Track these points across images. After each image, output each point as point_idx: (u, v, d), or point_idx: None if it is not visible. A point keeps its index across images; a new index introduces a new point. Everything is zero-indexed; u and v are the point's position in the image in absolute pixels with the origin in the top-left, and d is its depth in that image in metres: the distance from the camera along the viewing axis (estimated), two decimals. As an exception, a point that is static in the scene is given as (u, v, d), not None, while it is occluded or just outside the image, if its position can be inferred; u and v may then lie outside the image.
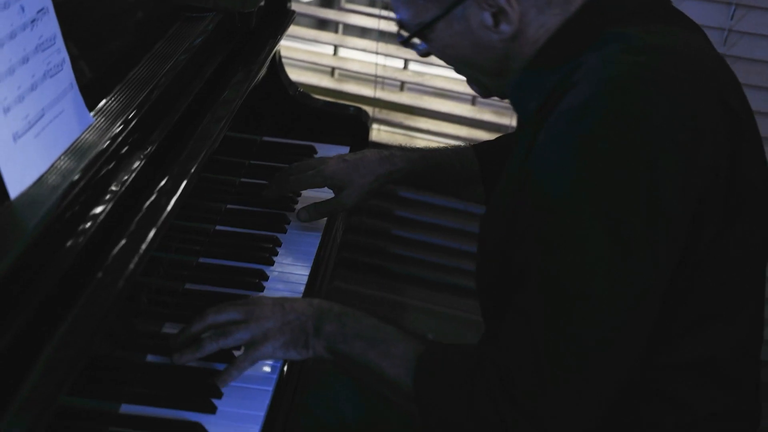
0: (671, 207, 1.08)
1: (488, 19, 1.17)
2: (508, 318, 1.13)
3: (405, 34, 1.26)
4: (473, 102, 2.40)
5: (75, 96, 1.25)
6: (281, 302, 1.27)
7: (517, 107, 1.26)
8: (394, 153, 1.62)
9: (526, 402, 1.09)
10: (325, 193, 1.66)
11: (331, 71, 2.45)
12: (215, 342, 1.24)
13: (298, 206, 1.66)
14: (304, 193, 1.72)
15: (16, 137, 1.11)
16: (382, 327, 1.24)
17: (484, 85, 1.30)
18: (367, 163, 1.60)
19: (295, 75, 2.38)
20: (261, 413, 1.23)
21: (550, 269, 1.09)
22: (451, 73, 2.38)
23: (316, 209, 1.61)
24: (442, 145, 2.00)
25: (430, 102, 2.38)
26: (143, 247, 1.16)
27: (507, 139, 1.67)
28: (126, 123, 1.30)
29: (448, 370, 1.17)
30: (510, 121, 2.30)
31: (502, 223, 1.20)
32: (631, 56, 1.12)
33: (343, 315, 1.25)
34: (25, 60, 1.15)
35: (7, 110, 1.10)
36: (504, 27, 1.17)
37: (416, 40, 1.25)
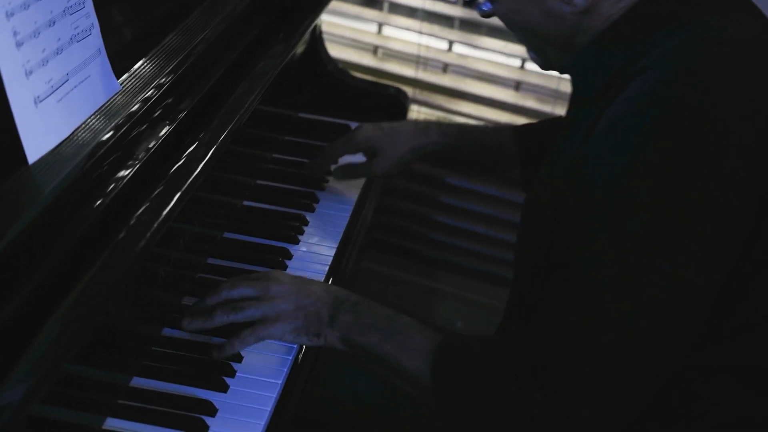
0: (730, 206, 1.04)
1: None
2: (544, 306, 1.10)
3: None
4: (516, 88, 2.34)
5: (102, 62, 1.23)
6: (298, 284, 1.24)
7: (577, 84, 1.22)
8: (430, 125, 1.60)
9: (557, 393, 1.06)
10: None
11: (374, 49, 2.42)
12: (225, 315, 1.22)
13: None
14: (341, 159, 1.69)
15: (37, 101, 1.09)
16: (397, 317, 1.21)
17: (545, 56, 1.25)
18: (402, 133, 1.58)
19: (336, 51, 2.35)
20: (273, 395, 1.21)
21: (596, 257, 1.06)
22: (496, 56, 2.37)
23: (346, 169, 1.62)
24: (481, 124, 1.96)
25: (473, 85, 2.34)
26: (166, 210, 1.15)
27: (550, 123, 1.62)
28: (158, 87, 1.29)
29: (468, 361, 1.14)
30: (552, 108, 2.24)
31: (548, 206, 1.17)
32: (706, 46, 1.07)
33: (358, 305, 1.22)
34: (51, 23, 1.13)
35: (29, 73, 1.08)
36: (579, 0, 1.13)
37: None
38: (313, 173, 1.65)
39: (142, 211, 1.14)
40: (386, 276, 2.47)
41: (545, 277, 1.12)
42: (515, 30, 1.25)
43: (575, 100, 1.26)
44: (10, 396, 0.88)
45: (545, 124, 1.64)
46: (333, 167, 1.64)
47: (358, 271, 1.67)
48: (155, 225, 1.13)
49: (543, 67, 1.29)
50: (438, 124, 1.62)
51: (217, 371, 1.22)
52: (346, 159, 1.67)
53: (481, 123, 2.33)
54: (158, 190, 1.19)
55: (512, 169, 1.60)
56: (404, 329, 1.19)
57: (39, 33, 1.10)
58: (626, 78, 1.10)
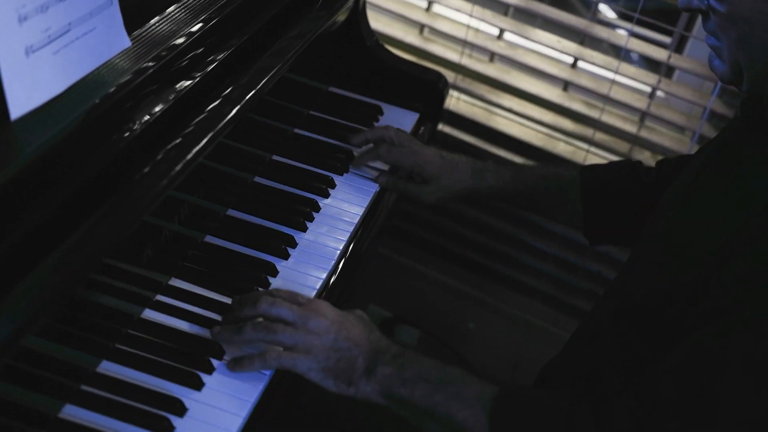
0: None
1: None
2: (674, 356, 1.04)
3: None
4: (565, 87, 2.21)
5: (113, 14, 1.12)
6: (340, 323, 1.15)
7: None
8: (487, 167, 1.53)
9: None
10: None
11: (420, 28, 2.29)
12: (257, 332, 1.14)
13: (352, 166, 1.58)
14: (358, 150, 1.61)
15: (29, 51, 0.99)
16: (448, 368, 1.14)
17: (738, 70, 1.10)
18: (461, 170, 1.53)
19: (380, 25, 2.23)
20: (251, 401, 1.11)
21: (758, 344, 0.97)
22: (547, 51, 2.23)
23: (396, 183, 1.54)
24: (537, 164, 1.80)
25: (519, 79, 2.20)
26: (195, 150, 1.14)
27: (620, 169, 1.52)
28: (206, 21, 1.27)
29: (535, 410, 1.10)
30: (600, 115, 2.11)
31: (697, 265, 1.07)
32: None
33: (401, 356, 1.14)
34: (56, -36, 1.02)
35: (23, 19, 0.98)
36: None
37: None
38: (357, 161, 1.57)
39: (172, 147, 1.12)
40: (401, 266, 2.37)
41: (674, 340, 1.05)
42: (729, 40, 1.08)
43: (743, 136, 1.14)
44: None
45: (615, 169, 1.53)
46: (377, 174, 1.56)
47: (372, 257, 1.59)
48: (182, 163, 1.11)
49: (724, 80, 1.13)
50: (495, 167, 1.54)
51: (193, 366, 1.12)
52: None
53: (523, 124, 2.21)
54: (191, 128, 1.17)
55: (569, 214, 1.54)
56: (456, 380, 1.13)
57: (40, -25, 1.00)
58: None
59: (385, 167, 1.58)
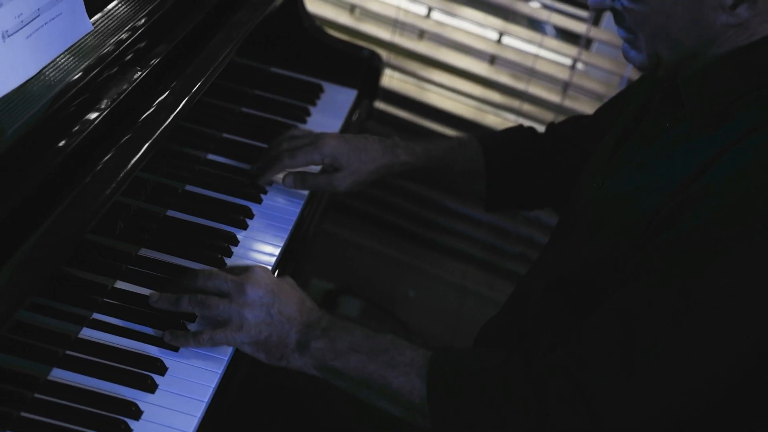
0: None
1: None
2: (599, 315, 1.09)
3: None
4: (491, 61, 2.32)
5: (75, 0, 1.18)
6: (275, 293, 1.18)
7: (688, 97, 1.13)
8: (396, 143, 1.51)
9: (591, 398, 1.05)
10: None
11: (351, 8, 2.37)
12: (192, 306, 1.19)
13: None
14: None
15: (5, 36, 1.05)
16: (378, 336, 1.17)
17: (655, 59, 1.15)
18: (369, 150, 1.49)
19: (312, 7, 2.30)
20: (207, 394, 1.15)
21: (691, 283, 1.03)
22: (474, 27, 2.34)
23: (304, 180, 1.49)
24: (444, 136, 1.85)
25: (448, 55, 2.30)
26: (134, 159, 1.13)
27: (515, 135, 1.58)
28: (133, 30, 1.26)
29: (469, 371, 1.13)
30: (526, 86, 2.22)
31: (618, 222, 1.14)
32: None
33: (332, 329, 1.17)
34: (25, -46, 1.08)
35: (-1, 5, 1.04)
36: (742, 11, 1.07)
37: None
38: (262, 179, 1.50)
39: (111, 157, 1.11)
40: (341, 239, 2.45)
41: (604, 284, 1.11)
42: (645, 29, 1.14)
43: (661, 111, 1.20)
44: None
45: (511, 136, 1.58)
46: (285, 174, 1.50)
47: (318, 233, 1.66)
48: (123, 172, 1.10)
49: (641, 67, 1.19)
50: (404, 142, 1.52)
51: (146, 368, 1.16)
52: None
53: (454, 98, 2.31)
54: (127, 137, 1.15)
55: (476, 185, 1.56)
56: (389, 347, 1.15)
57: (12, -36, 1.06)
58: (757, 106, 1.07)
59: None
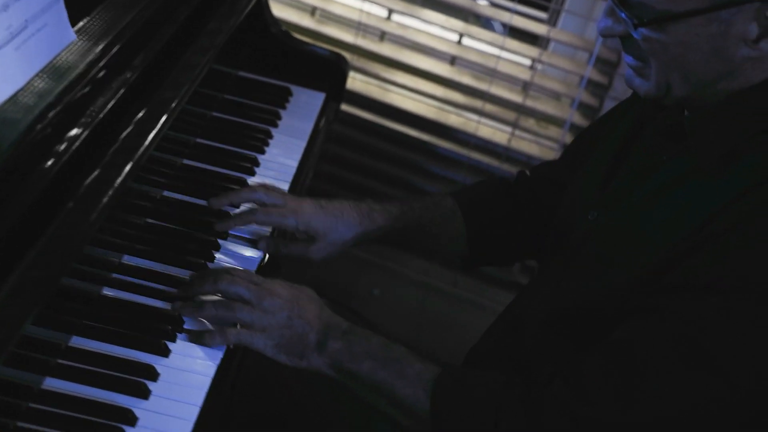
0: None
1: (754, 31, 1.04)
2: (602, 349, 1.10)
3: (634, 17, 1.08)
4: (452, 62, 2.36)
5: (59, 10, 1.19)
6: (294, 301, 1.21)
7: (693, 135, 1.12)
8: (372, 208, 1.45)
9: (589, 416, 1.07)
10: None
11: (312, 10, 2.39)
12: (216, 310, 1.21)
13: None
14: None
15: (-4, 48, 1.05)
16: (392, 346, 1.20)
17: (665, 88, 1.11)
18: (346, 218, 1.42)
19: (275, 10, 2.31)
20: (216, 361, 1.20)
21: (698, 326, 1.04)
22: (435, 29, 2.37)
23: (278, 247, 1.41)
24: (418, 196, 1.74)
25: (410, 56, 2.34)
26: (118, 181, 1.13)
27: (489, 190, 1.54)
28: (108, 47, 1.25)
29: (470, 393, 1.15)
30: (489, 87, 2.27)
31: (632, 256, 1.13)
32: None
33: (350, 333, 1.21)
34: (12, -34, 1.09)
35: (-11, 18, 1.04)
36: (764, 45, 1.05)
37: (640, 27, 1.07)
38: (223, 226, 1.39)
39: (93, 180, 1.11)
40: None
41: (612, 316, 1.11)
42: (658, 56, 1.10)
43: (657, 143, 1.18)
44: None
45: (485, 192, 1.54)
46: (260, 239, 1.41)
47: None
48: (107, 196, 1.10)
49: (648, 96, 1.14)
50: (380, 205, 1.46)
51: (159, 335, 1.20)
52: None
53: (416, 99, 2.34)
54: (108, 158, 1.15)
55: (454, 244, 1.51)
56: (400, 357, 1.18)
57: (1, -24, 1.06)
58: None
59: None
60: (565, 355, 1.16)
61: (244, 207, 1.44)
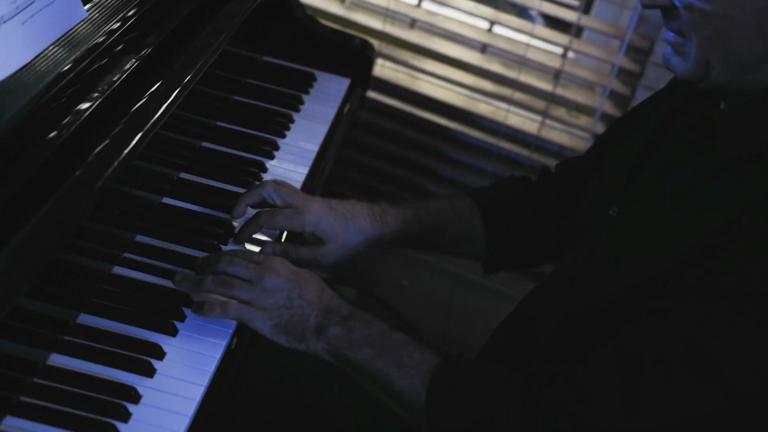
0: None
1: None
2: (607, 351, 1.07)
3: None
4: (483, 50, 2.33)
5: (70, -14, 1.18)
6: (295, 281, 1.19)
7: (723, 133, 1.08)
8: (385, 210, 1.39)
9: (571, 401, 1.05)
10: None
11: (342, -2, 2.37)
12: (215, 286, 1.19)
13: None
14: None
15: (1, 21, 1.05)
16: (393, 335, 1.17)
17: (705, 68, 1.06)
18: (357, 220, 1.36)
19: (304, -4, 2.30)
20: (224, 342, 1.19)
21: (713, 349, 1.01)
22: (465, 17, 2.34)
23: (286, 251, 1.35)
24: (435, 195, 1.67)
25: (439, 44, 2.31)
26: (126, 150, 1.12)
27: (510, 190, 1.48)
28: (124, 20, 1.25)
29: (468, 387, 1.13)
30: (518, 75, 2.23)
31: (651, 256, 1.10)
32: None
33: (351, 318, 1.18)
34: (20, -60, 1.08)
35: (-6, -9, 1.04)
36: None
37: None
38: (242, 239, 1.35)
39: (102, 149, 1.11)
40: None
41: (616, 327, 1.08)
42: (700, 29, 1.04)
43: (685, 138, 1.14)
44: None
45: (505, 192, 1.48)
46: (266, 244, 1.35)
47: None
48: (115, 164, 1.10)
49: (685, 76, 1.09)
50: (394, 208, 1.40)
51: (167, 315, 1.20)
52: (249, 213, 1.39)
53: (446, 87, 2.31)
54: (119, 128, 1.15)
55: (472, 246, 1.47)
56: (399, 347, 1.16)
57: (7, -51, 1.06)
58: None
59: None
60: (574, 355, 1.13)
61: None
